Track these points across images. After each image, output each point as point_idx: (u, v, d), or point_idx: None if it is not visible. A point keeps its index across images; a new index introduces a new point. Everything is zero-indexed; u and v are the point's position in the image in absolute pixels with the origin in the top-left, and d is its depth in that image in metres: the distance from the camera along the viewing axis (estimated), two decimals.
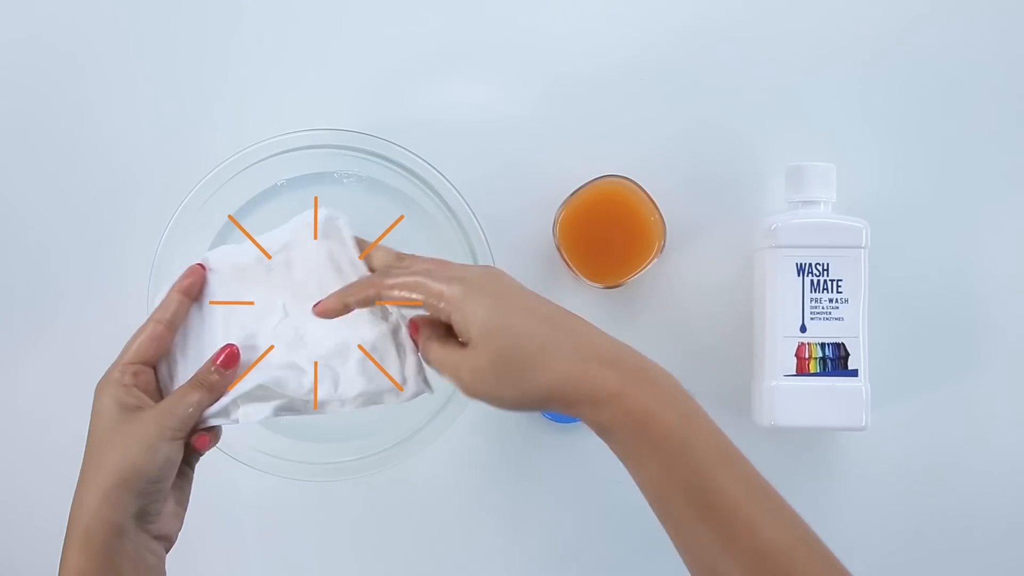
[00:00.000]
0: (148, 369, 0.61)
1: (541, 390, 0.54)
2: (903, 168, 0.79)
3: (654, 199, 0.74)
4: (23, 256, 0.80)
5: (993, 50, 0.80)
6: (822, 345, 0.73)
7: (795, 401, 0.73)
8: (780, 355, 0.73)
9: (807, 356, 0.73)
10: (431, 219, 0.76)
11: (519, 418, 0.79)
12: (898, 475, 0.79)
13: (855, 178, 0.77)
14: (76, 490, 0.57)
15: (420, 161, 0.74)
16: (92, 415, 0.58)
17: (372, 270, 0.63)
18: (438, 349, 0.58)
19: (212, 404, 0.60)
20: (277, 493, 0.78)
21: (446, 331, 0.58)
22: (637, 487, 0.54)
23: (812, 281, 0.73)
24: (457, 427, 0.73)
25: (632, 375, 0.54)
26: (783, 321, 0.73)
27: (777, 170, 0.77)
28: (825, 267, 0.73)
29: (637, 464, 0.53)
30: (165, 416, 0.58)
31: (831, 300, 0.73)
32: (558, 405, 0.54)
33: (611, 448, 0.55)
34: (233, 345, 0.61)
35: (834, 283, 0.73)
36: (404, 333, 0.62)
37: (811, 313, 0.73)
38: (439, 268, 0.58)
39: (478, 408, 0.61)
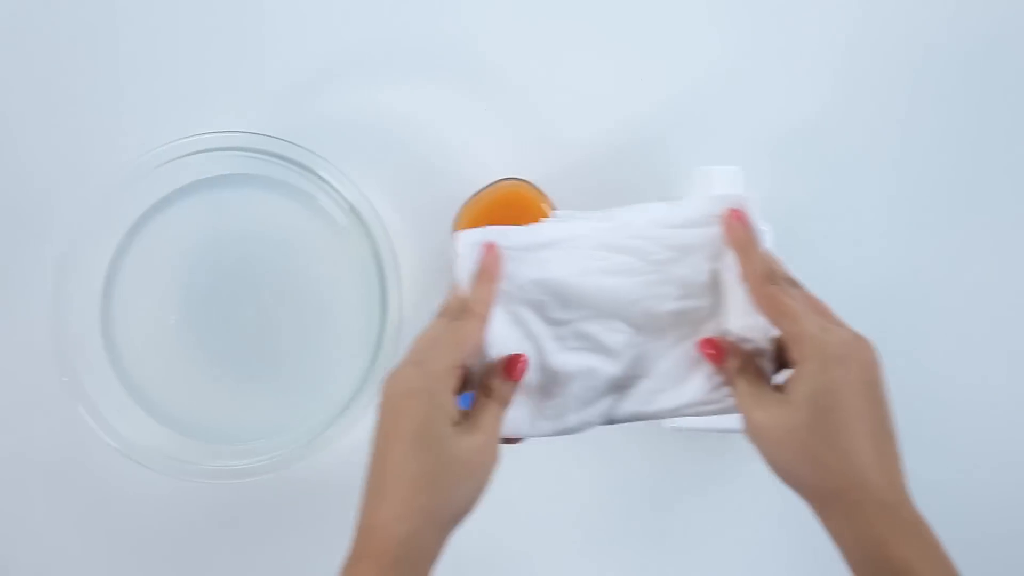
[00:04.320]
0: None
1: (843, 470, 0.49)
2: (805, 172, 0.80)
3: (552, 202, 0.74)
4: None
5: (900, 47, 0.80)
6: None
7: None
8: None
9: None
10: (333, 221, 0.77)
11: None
12: None
13: (760, 181, 0.77)
14: (405, 509, 0.50)
15: (325, 163, 0.74)
16: (414, 420, 0.51)
17: None
18: (749, 385, 0.53)
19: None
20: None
21: (757, 371, 0.54)
22: None
23: None
24: None
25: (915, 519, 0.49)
26: None
27: (687, 175, 0.77)
28: None
29: None
30: (494, 442, 0.53)
31: None
32: (847, 501, 0.49)
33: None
34: (522, 357, 0.56)
35: None
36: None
37: None
38: (821, 311, 0.54)
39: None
